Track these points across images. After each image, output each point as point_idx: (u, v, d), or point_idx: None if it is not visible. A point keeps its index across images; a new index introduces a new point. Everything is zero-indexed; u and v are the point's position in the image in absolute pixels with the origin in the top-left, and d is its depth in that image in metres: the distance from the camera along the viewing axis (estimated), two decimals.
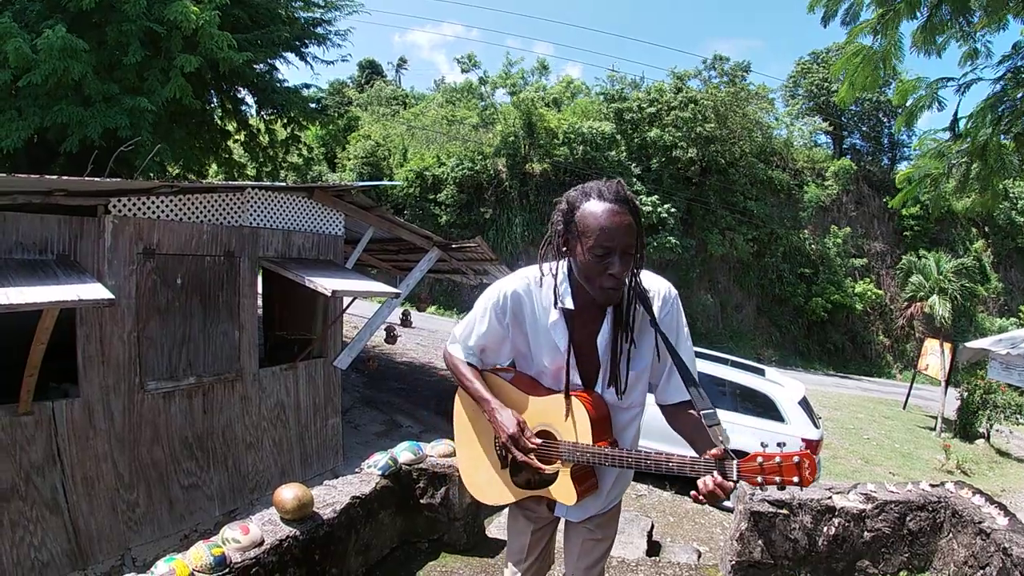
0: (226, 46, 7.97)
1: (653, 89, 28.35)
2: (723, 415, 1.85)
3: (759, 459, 1.55)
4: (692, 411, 1.92)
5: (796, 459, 1.51)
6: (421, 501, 4.01)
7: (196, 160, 11.10)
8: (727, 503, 6.99)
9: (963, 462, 10.95)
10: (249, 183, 6.10)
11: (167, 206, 5.23)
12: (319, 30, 11.02)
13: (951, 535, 3.81)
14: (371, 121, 32.59)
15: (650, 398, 2.02)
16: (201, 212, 5.54)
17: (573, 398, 1.87)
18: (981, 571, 3.43)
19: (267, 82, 10.49)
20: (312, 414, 6.88)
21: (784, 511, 3.91)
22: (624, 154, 27.14)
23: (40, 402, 4.44)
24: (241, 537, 2.77)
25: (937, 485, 4.14)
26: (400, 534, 3.98)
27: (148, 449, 5.18)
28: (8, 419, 4.23)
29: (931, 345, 16.36)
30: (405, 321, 16.23)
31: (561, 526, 2.17)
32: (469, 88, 33.81)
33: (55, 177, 4.25)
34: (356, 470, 3.90)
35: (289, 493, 3.09)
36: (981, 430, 13.87)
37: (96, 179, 4.70)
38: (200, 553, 2.60)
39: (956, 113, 7.11)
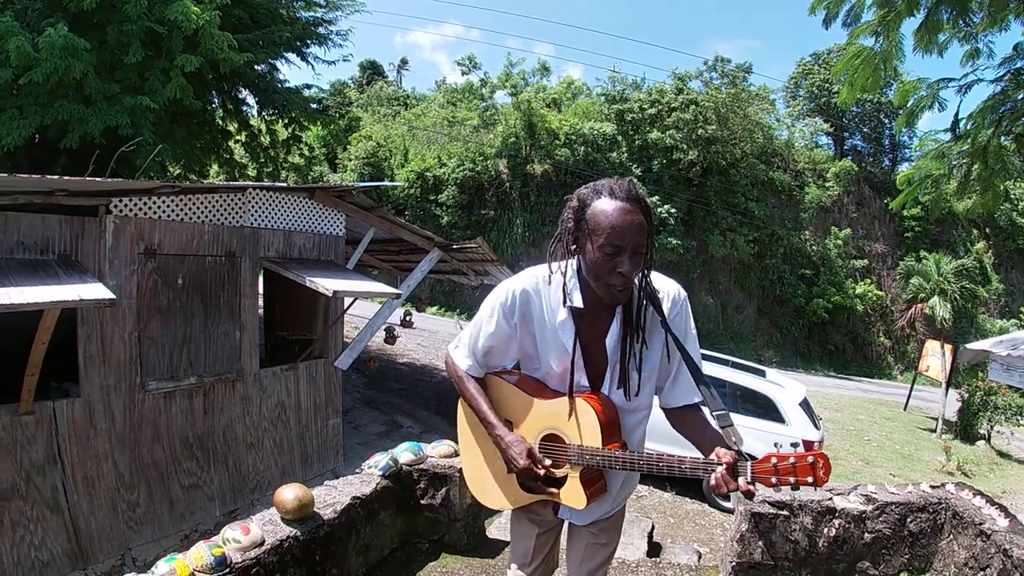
0: (227, 46, 7.98)
1: (654, 90, 28.37)
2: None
3: (773, 460, 1.54)
4: (698, 413, 1.91)
5: (811, 459, 1.50)
6: (422, 502, 4.00)
7: (197, 160, 11.11)
8: (727, 504, 6.99)
9: (964, 463, 10.94)
10: (250, 183, 6.10)
11: (168, 206, 5.23)
12: (320, 30, 11.04)
13: (952, 536, 3.80)
14: (372, 122, 32.61)
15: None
16: (202, 212, 5.55)
17: (582, 400, 1.84)
18: (981, 572, 3.43)
19: (268, 82, 10.50)
20: (313, 414, 6.88)
21: (784, 512, 3.91)
22: (625, 155, 27.17)
23: (41, 401, 4.44)
24: (242, 537, 2.77)
25: (938, 487, 4.14)
26: (400, 534, 3.98)
27: (149, 449, 5.18)
28: (9, 418, 4.23)
29: (932, 346, 16.34)
30: (406, 322, 16.22)
31: (564, 528, 2.14)
32: (470, 89, 33.86)
33: (56, 177, 4.25)
34: (357, 470, 3.90)
35: (290, 493, 3.09)
36: (982, 432, 13.85)
37: (97, 179, 4.71)
38: (201, 553, 2.60)
39: (957, 114, 7.12)
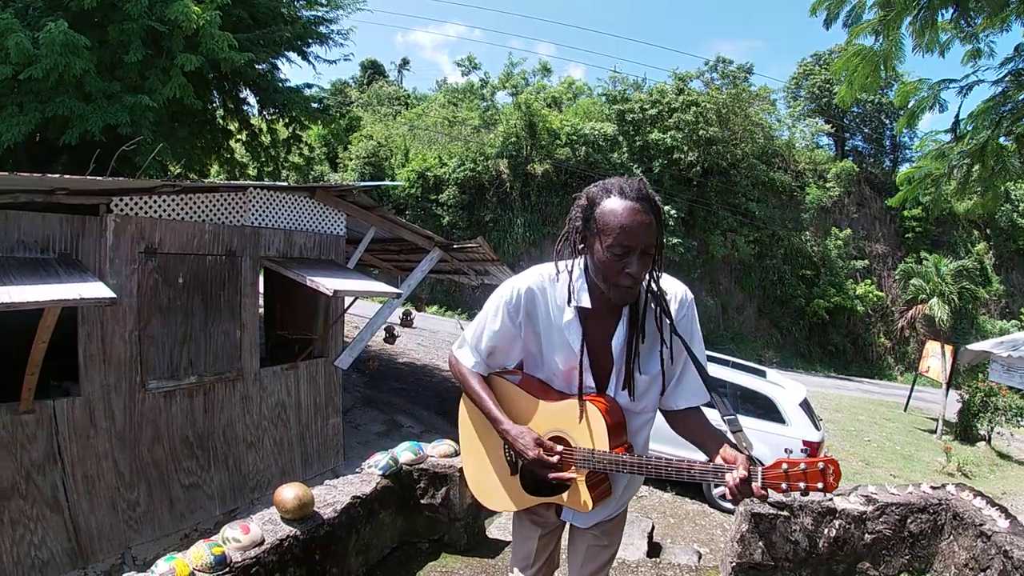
0: (227, 46, 7.98)
1: (655, 90, 28.38)
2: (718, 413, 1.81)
3: (784, 466, 1.52)
4: (700, 414, 1.90)
5: (821, 465, 1.48)
6: (422, 501, 4.00)
7: (198, 159, 11.10)
8: (727, 504, 6.99)
9: (964, 464, 10.94)
10: (251, 183, 6.10)
11: (169, 205, 5.23)
12: (321, 29, 11.03)
13: (952, 537, 3.80)
14: (373, 121, 32.62)
15: None
16: (203, 211, 5.55)
17: (588, 403, 1.80)
18: (982, 573, 3.43)
19: (269, 82, 10.50)
20: (313, 414, 6.88)
21: (785, 513, 3.91)
22: (626, 155, 27.18)
23: (41, 400, 4.44)
24: (241, 536, 2.77)
25: (938, 487, 4.13)
26: (400, 534, 3.98)
27: (149, 448, 5.18)
28: (9, 417, 4.23)
29: (932, 347, 16.34)
30: (406, 321, 16.22)
31: (565, 528, 2.12)
32: (471, 89, 33.87)
33: (57, 176, 4.25)
34: (357, 470, 3.90)
35: (290, 492, 3.08)
36: (982, 433, 13.86)
37: (98, 178, 4.70)
38: (200, 552, 2.60)
39: (958, 115, 7.12)
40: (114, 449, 4.89)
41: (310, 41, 10.94)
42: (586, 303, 1.78)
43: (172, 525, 5.36)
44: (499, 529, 4.55)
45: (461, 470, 3.89)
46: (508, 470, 1.98)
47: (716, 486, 1.70)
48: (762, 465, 1.56)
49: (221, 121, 11.50)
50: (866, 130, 35.86)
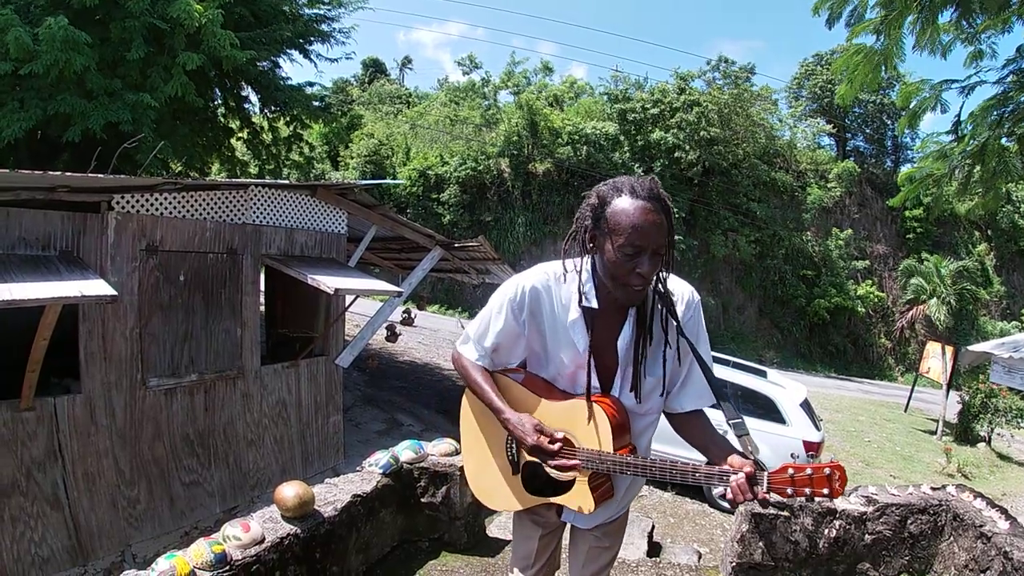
0: (229, 45, 7.97)
1: (657, 90, 28.34)
2: (722, 416, 1.81)
3: (790, 471, 1.51)
4: (703, 417, 1.89)
5: (827, 471, 1.47)
6: (422, 500, 4.01)
7: (199, 157, 11.10)
8: (727, 504, 6.99)
9: (964, 466, 10.93)
10: (252, 181, 6.10)
11: (170, 203, 5.23)
12: (323, 27, 11.02)
13: (952, 538, 3.80)
14: (374, 120, 32.62)
15: None
16: (204, 209, 5.55)
17: (592, 403, 1.78)
18: (982, 575, 3.43)
19: (270, 80, 10.49)
20: (313, 412, 6.88)
21: (785, 513, 3.91)
22: (627, 155, 27.15)
23: (42, 398, 4.45)
24: (242, 534, 2.77)
25: (938, 488, 4.13)
26: (401, 533, 3.98)
27: (149, 446, 5.18)
28: (10, 414, 4.23)
29: (933, 348, 16.33)
30: (407, 320, 16.23)
31: (566, 529, 2.10)
32: (472, 88, 33.85)
33: (59, 173, 4.25)
34: (357, 468, 3.91)
35: (290, 491, 3.09)
36: (982, 434, 13.85)
37: (99, 175, 4.70)
38: (201, 550, 2.60)
39: (959, 115, 7.11)
40: (115, 447, 4.90)
41: (312, 39, 10.92)
42: (595, 304, 1.76)
43: (172, 523, 5.37)
44: (499, 528, 4.55)
45: (462, 469, 3.89)
46: (510, 469, 1.96)
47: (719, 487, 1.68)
48: (768, 470, 1.54)
49: (222, 119, 11.49)
50: (867, 130, 35.84)
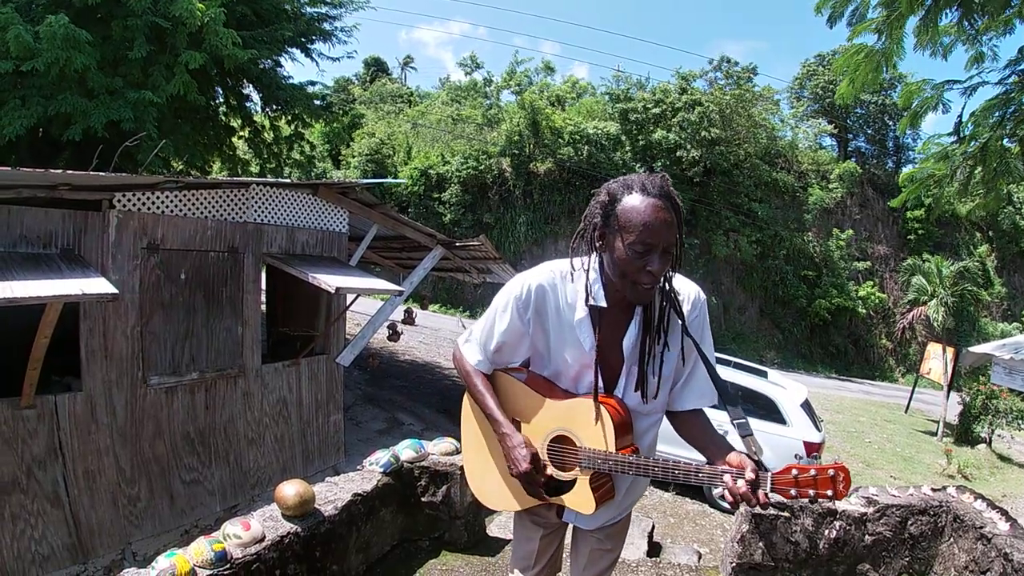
0: (231, 43, 7.97)
1: (658, 90, 28.33)
2: (724, 417, 1.80)
3: (794, 472, 1.50)
4: (704, 417, 1.89)
5: (831, 472, 1.46)
6: (422, 499, 4.01)
7: (200, 156, 11.10)
8: (727, 504, 6.99)
9: (964, 467, 10.92)
10: (254, 179, 6.10)
11: (172, 201, 5.24)
12: (325, 26, 11.03)
13: (952, 540, 3.80)
14: (376, 119, 32.61)
15: None
16: (205, 208, 5.55)
17: (595, 402, 1.77)
18: None
19: (272, 78, 10.49)
20: (314, 411, 6.89)
21: (785, 514, 3.91)
22: (629, 155, 27.15)
23: (43, 396, 4.45)
24: (242, 533, 2.77)
25: (938, 489, 4.13)
26: (401, 532, 3.98)
27: (150, 444, 5.18)
28: (10, 412, 4.24)
29: (934, 349, 16.32)
30: (409, 319, 16.24)
31: (568, 529, 2.08)
32: (474, 87, 33.84)
33: (60, 171, 4.26)
34: (358, 467, 3.91)
35: (291, 489, 3.09)
36: (983, 435, 13.84)
37: (101, 174, 4.70)
38: (201, 548, 2.60)
39: (961, 116, 7.11)
40: (115, 445, 4.90)
41: (314, 38, 10.93)
42: (603, 302, 1.75)
43: (172, 521, 5.37)
44: (499, 527, 4.55)
45: (462, 468, 3.89)
46: (509, 469, 1.94)
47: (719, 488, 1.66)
48: (770, 471, 1.53)
49: (224, 118, 11.50)
50: (869, 131, 35.79)
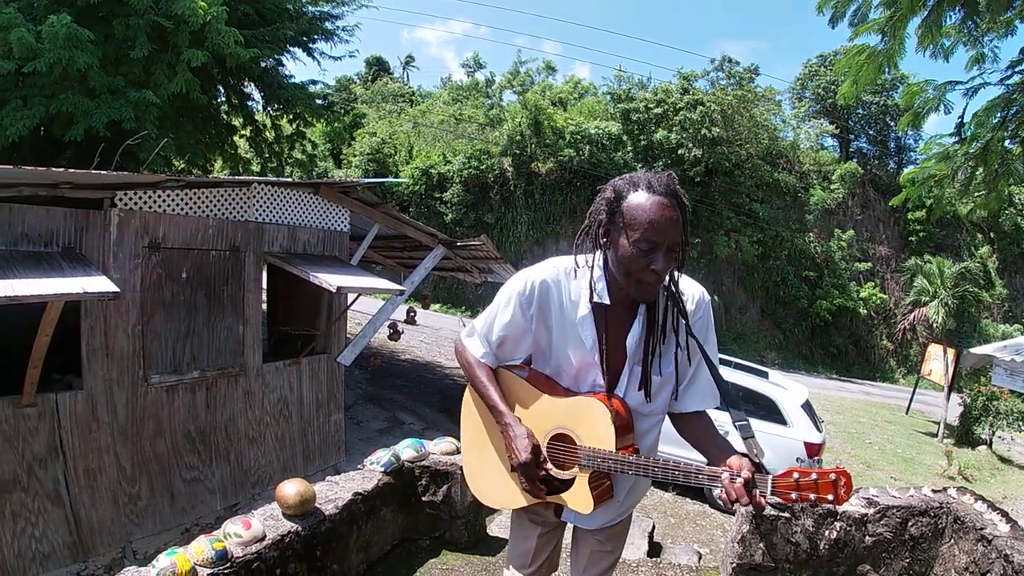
0: (232, 42, 7.98)
1: (660, 90, 28.30)
2: (724, 417, 1.80)
3: (795, 475, 1.48)
4: (706, 418, 1.87)
5: (833, 476, 1.45)
6: (423, 498, 4.01)
7: (202, 155, 11.12)
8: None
9: (965, 468, 10.92)
10: (255, 178, 6.10)
11: (173, 200, 5.24)
12: (327, 25, 11.04)
13: (952, 541, 3.80)
14: (377, 118, 32.60)
15: None
16: (207, 207, 5.55)
17: (597, 400, 1.76)
18: None
19: (273, 78, 10.51)
20: (315, 410, 6.89)
21: (786, 514, 3.91)
22: (630, 155, 27.13)
23: (43, 394, 4.45)
24: (243, 532, 2.77)
25: (939, 491, 4.13)
26: (401, 531, 3.98)
27: (151, 442, 5.19)
28: (11, 410, 4.24)
29: (935, 350, 16.31)
30: (410, 318, 16.26)
31: (568, 530, 2.07)
32: (476, 87, 33.83)
33: (61, 170, 4.26)
34: (359, 466, 3.91)
35: (291, 488, 3.09)
36: (983, 436, 13.83)
37: (102, 172, 4.71)
38: (202, 547, 2.60)
39: (962, 117, 7.11)
40: (116, 443, 4.91)
41: (315, 37, 10.95)
42: (607, 300, 1.74)
43: (173, 519, 5.37)
44: (500, 527, 4.55)
45: (462, 468, 3.89)
46: (509, 466, 1.93)
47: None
48: (770, 473, 1.53)
49: (225, 116, 11.52)
50: (871, 132, 35.72)
